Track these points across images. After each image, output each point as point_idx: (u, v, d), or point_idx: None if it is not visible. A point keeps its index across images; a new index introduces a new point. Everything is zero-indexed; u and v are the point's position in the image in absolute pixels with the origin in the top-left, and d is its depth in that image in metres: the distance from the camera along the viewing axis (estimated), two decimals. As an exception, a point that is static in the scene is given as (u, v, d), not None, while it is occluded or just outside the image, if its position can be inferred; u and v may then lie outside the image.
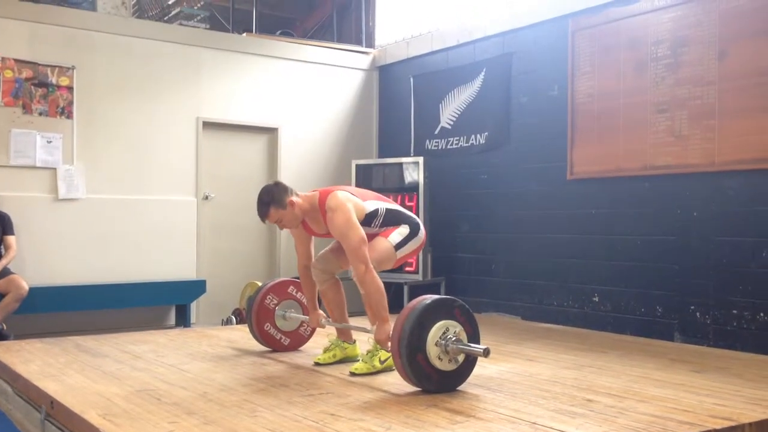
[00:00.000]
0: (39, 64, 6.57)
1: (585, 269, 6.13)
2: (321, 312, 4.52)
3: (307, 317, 4.61)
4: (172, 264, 7.13)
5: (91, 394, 3.50)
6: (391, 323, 3.75)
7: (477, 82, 7.18)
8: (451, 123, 7.46)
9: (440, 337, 3.56)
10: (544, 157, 6.49)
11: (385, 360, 4.06)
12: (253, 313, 4.71)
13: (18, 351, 4.67)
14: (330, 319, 4.46)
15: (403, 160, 7.41)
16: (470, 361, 3.70)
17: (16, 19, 6.51)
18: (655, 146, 5.62)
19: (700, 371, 4.24)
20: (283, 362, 4.40)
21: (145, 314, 7.00)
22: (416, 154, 7.65)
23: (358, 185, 7.36)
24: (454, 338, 3.58)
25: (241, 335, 5.46)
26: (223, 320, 7.02)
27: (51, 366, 4.18)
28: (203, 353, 4.69)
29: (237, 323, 6.79)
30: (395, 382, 3.82)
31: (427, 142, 7.73)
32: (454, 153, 7.38)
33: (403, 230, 4.20)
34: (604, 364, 4.44)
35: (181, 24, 7.57)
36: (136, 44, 7.06)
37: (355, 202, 4.13)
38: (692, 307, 5.38)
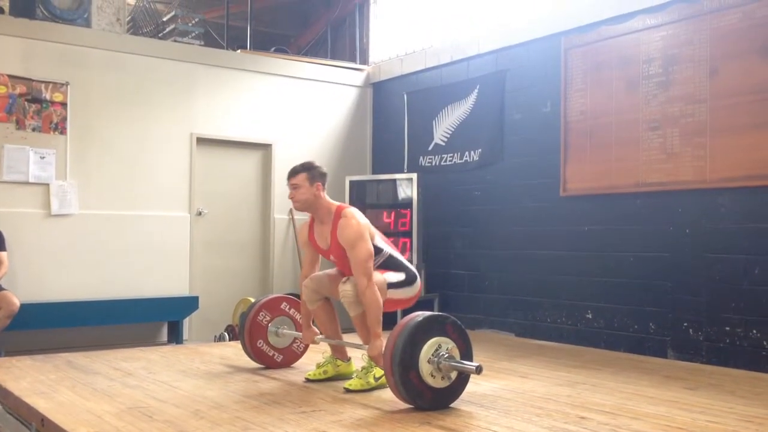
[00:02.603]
0: (33, 80, 6.57)
1: (578, 286, 6.13)
2: (315, 329, 4.51)
3: (300, 334, 4.60)
4: (164, 280, 7.11)
5: (82, 411, 3.48)
6: (384, 340, 3.75)
7: (470, 99, 7.21)
8: (445, 139, 7.48)
9: (433, 354, 3.56)
10: (537, 173, 6.51)
11: (380, 377, 4.05)
12: (246, 329, 4.69)
13: (9, 368, 4.64)
14: (324, 336, 4.45)
15: (397, 176, 7.42)
16: (463, 378, 3.69)
17: (10, 35, 6.52)
18: (648, 163, 5.65)
19: (694, 388, 4.24)
20: (275, 379, 4.38)
21: (137, 331, 6.96)
22: (410, 171, 7.67)
23: (351, 201, 7.37)
24: (446, 355, 3.57)
25: (234, 352, 5.44)
26: (215, 337, 6.99)
27: (42, 383, 4.15)
28: (195, 370, 4.67)
29: (230, 340, 6.76)
30: (389, 399, 3.81)
31: (421, 158, 7.75)
32: (447, 169, 7.40)
33: (400, 276, 4.19)
34: (597, 381, 4.43)
35: (175, 40, 7.59)
36: (131, 60, 7.07)
37: (369, 227, 4.14)
38: (685, 324, 5.39)
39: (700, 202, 5.35)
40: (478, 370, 3.53)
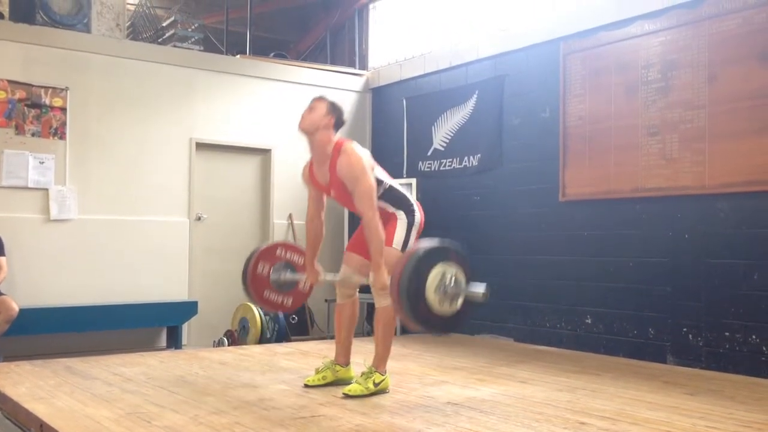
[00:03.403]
0: (32, 85, 6.58)
1: (577, 291, 6.13)
2: (319, 266, 4.46)
3: (303, 275, 4.55)
4: (163, 285, 7.10)
5: (80, 417, 3.47)
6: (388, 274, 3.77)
7: (469, 104, 7.22)
8: (444, 145, 7.49)
9: (439, 283, 3.56)
10: (536, 178, 6.52)
11: (379, 382, 4.05)
12: (249, 285, 4.64)
13: (7, 373, 4.63)
14: (332, 274, 4.41)
15: (396, 181, 7.41)
16: (470, 305, 3.69)
17: (10, 40, 6.53)
18: (647, 169, 5.65)
19: (693, 394, 4.24)
20: (275, 384, 4.37)
21: (136, 336, 6.95)
22: (409, 176, 7.68)
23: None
24: (452, 282, 3.58)
25: (233, 357, 5.43)
26: (214, 342, 6.99)
27: (40, 388, 4.14)
28: (194, 375, 4.66)
29: (229, 345, 6.76)
30: (388, 405, 3.81)
31: (420, 163, 7.75)
32: (446, 174, 7.41)
33: (401, 224, 4.14)
34: (597, 386, 4.43)
35: (175, 46, 7.59)
36: (130, 66, 7.08)
37: (369, 158, 4.12)
38: (684, 329, 5.39)
39: (699, 208, 5.36)
40: (485, 296, 3.54)
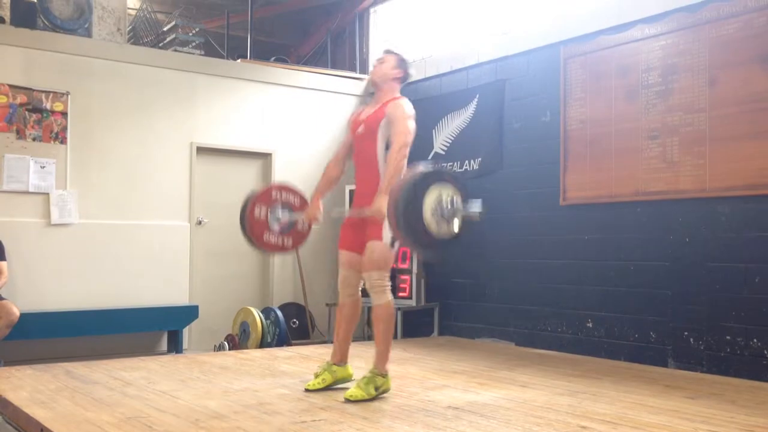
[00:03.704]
0: (33, 90, 6.58)
1: (578, 295, 6.13)
2: (319, 204, 4.50)
3: (301, 214, 4.59)
4: (164, 289, 7.10)
5: (81, 421, 3.46)
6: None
7: (470, 108, 7.23)
8: (445, 148, 7.49)
9: (435, 205, 3.59)
10: (537, 182, 6.52)
11: (380, 386, 4.06)
12: (249, 230, 4.67)
13: (8, 378, 4.63)
14: (338, 209, 4.46)
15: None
16: (467, 225, 3.71)
17: (12, 45, 6.54)
18: (647, 172, 5.65)
19: (694, 397, 4.24)
20: (275, 389, 4.37)
21: (137, 340, 6.95)
22: (410, 180, 7.66)
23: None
24: (449, 203, 3.60)
25: (234, 361, 5.43)
26: (215, 346, 6.98)
27: (41, 393, 4.14)
28: (195, 380, 4.66)
29: (229, 349, 6.75)
30: (389, 409, 3.80)
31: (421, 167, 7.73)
32: (447, 178, 7.39)
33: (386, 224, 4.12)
34: (598, 390, 4.42)
35: (176, 50, 7.61)
36: (131, 70, 7.09)
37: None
38: (686, 333, 5.38)
39: (700, 211, 5.35)
40: (482, 212, 3.60)
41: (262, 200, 4.71)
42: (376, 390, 4.04)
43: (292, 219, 4.68)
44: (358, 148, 4.37)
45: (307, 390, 4.28)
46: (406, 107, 4.22)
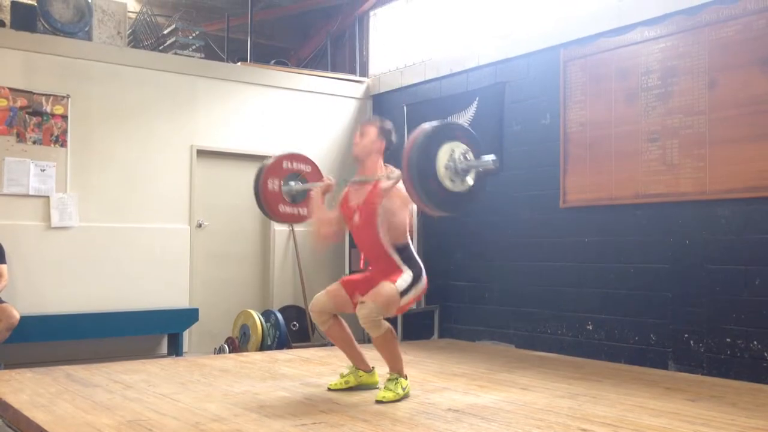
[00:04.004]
0: (34, 93, 6.59)
1: (578, 297, 6.12)
2: (329, 177, 4.51)
3: (314, 184, 4.58)
4: (164, 292, 7.10)
5: (81, 424, 3.46)
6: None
7: (470, 111, 7.23)
8: (445, 151, 7.48)
9: (448, 159, 3.57)
10: (537, 185, 6.52)
11: (405, 386, 4.13)
12: (263, 203, 4.66)
13: (8, 381, 4.63)
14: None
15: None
16: (481, 179, 3.69)
17: (12, 48, 6.54)
18: (647, 175, 5.65)
19: (695, 400, 4.23)
20: (276, 392, 4.37)
21: (137, 343, 6.95)
22: (410, 182, 7.66)
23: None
24: (462, 157, 3.59)
25: (234, 364, 5.43)
26: (215, 349, 6.98)
27: (41, 396, 4.14)
28: (195, 383, 4.65)
29: (230, 352, 6.75)
30: (389, 411, 3.80)
31: (421, 170, 7.74)
32: (447, 181, 7.39)
33: (407, 277, 4.12)
34: (598, 392, 4.42)
35: (176, 53, 7.61)
36: (131, 73, 7.09)
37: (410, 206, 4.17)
38: (686, 336, 5.38)
39: (699, 214, 5.36)
40: (495, 162, 3.56)
41: (274, 172, 4.70)
42: (403, 390, 4.10)
43: (305, 188, 4.67)
44: (357, 234, 4.28)
45: (329, 389, 4.33)
46: (402, 192, 3.97)
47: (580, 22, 6.25)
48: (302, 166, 4.74)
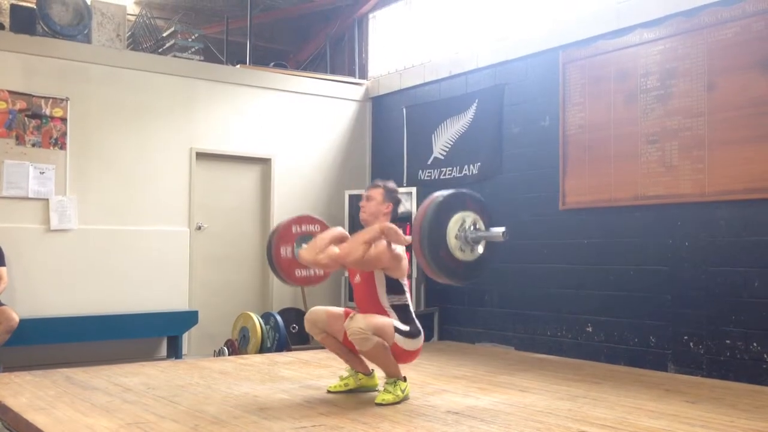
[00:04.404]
0: (33, 96, 6.59)
1: (578, 299, 6.12)
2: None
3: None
4: (164, 295, 7.10)
5: (81, 427, 3.46)
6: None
7: (469, 113, 7.23)
8: (444, 153, 7.50)
9: (459, 229, 3.61)
10: (536, 187, 6.52)
11: (405, 388, 4.14)
12: (280, 271, 4.72)
13: (7, 384, 4.62)
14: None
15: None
16: (491, 249, 3.73)
17: (11, 51, 6.55)
18: (646, 176, 5.66)
19: (694, 402, 4.23)
20: (275, 394, 4.37)
21: (137, 346, 6.94)
22: (409, 185, 7.68)
23: (350, 215, 7.39)
24: (472, 227, 3.63)
25: (234, 366, 5.43)
26: (215, 351, 6.98)
27: (40, 399, 4.14)
28: (195, 385, 4.65)
29: (229, 354, 6.74)
30: (388, 414, 3.80)
31: (420, 172, 7.76)
32: (447, 183, 7.40)
33: (404, 327, 4.12)
34: (598, 394, 4.42)
35: (175, 56, 7.61)
36: (130, 76, 7.09)
37: (406, 263, 4.15)
38: (685, 338, 5.38)
39: (699, 215, 5.36)
40: (504, 234, 3.61)
41: (284, 240, 4.74)
42: (403, 392, 4.10)
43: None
44: (358, 290, 4.29)
45: (329, 391, 4.34)
46: (394, 252, 4.03)
47: (579, 24, 6.25)
48: (311, 227, 4.77)
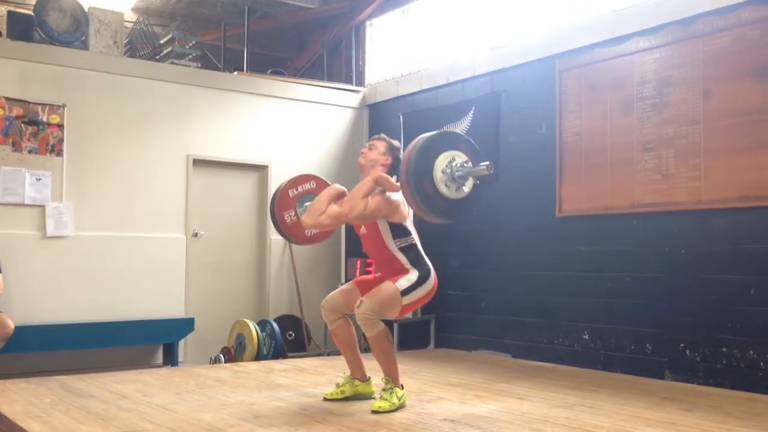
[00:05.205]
0: (30, 102, 6.59)
1: (574, 307, 6.12)
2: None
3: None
4: (160, 302, 7.08)
5: (76, 435, 3.45)
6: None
7: (466, 120, 7.24)
8: (441, 161, 7.49)
9: (446, 165, 3.66)
10: (533, 194, 6.53)
11: (401, 396, 4.12)
12: (289, 237, 4.75)
13: (2, 391, 4.61)
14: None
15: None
16: (478, 189, 3.76)
17: (8, 57, 6.55)
18: (643, 184, 5.67)
19: (691, 410, 4.23)
20: (271, 402, 4.36)
21: (133, 353, 6.93)
22: (406, 192, 7.67)
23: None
24: (459, 165, 3.69)
25: (230, 374, 5.41)
26: (211, 359, 6.97)
27: (35, 406, 4.13)
28: (191, 393, 4.64)
29: (225, 362, 6.73)
30: (385, 422, 3.79)
31: (417, 179, 7.75)
32: (443, 190, 7.39)
33: (412, 276, 4.13)
34: (594, 402, 4.42)
35: (172, 63, 7.62)
36: (127, 83, 7.10)
37: (405, 206, 4.14)
38: (682, 345, 5.38)
39: (695, 223, 5.37)
40: (489, 167, 3.67)
41: (284, 206, 4.73)
42: (399, 400, 4.08)
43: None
44: (366, 241, 4.31)
45: (325, 399, 4.33)
46: (390, 198, 4.09)
47: (576, 33, 6.27)
48: (307, 185, 4.75)
